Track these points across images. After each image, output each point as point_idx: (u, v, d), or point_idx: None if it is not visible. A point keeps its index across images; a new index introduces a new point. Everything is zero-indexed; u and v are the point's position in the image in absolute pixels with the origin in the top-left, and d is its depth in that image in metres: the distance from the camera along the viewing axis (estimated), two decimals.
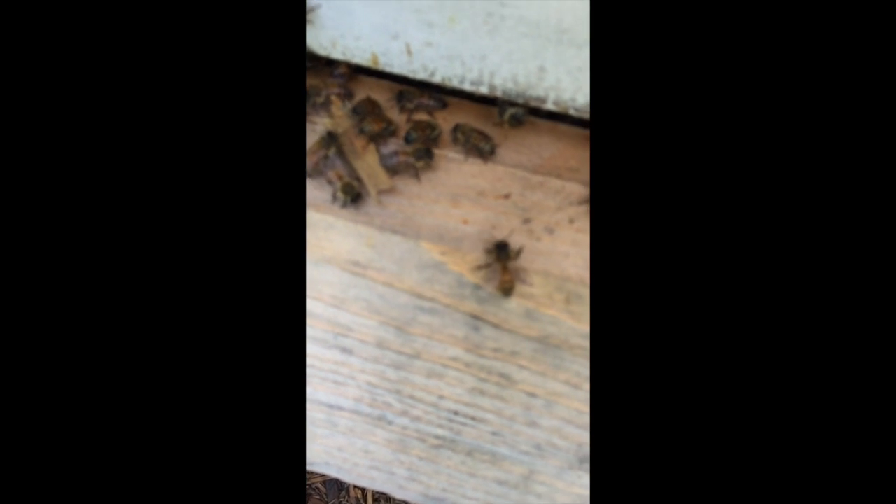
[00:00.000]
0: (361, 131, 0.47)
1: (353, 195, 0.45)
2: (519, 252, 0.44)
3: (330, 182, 0.46)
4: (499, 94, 0.46)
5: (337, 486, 1.33)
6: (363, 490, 1.32)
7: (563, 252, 0.45)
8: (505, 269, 0.43)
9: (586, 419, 0.48)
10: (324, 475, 1.32)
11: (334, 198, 0.46)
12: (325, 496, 1.32)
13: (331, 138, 0.47)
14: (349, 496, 1.32)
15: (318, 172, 0.47)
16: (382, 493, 1.28)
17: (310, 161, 0.47)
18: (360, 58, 0.47)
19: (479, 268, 0.44)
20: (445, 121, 0.50)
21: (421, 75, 0.47)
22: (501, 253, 0.43)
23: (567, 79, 0.44)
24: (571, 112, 0.46)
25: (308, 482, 1.34)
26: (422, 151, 0.47)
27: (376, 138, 0.48)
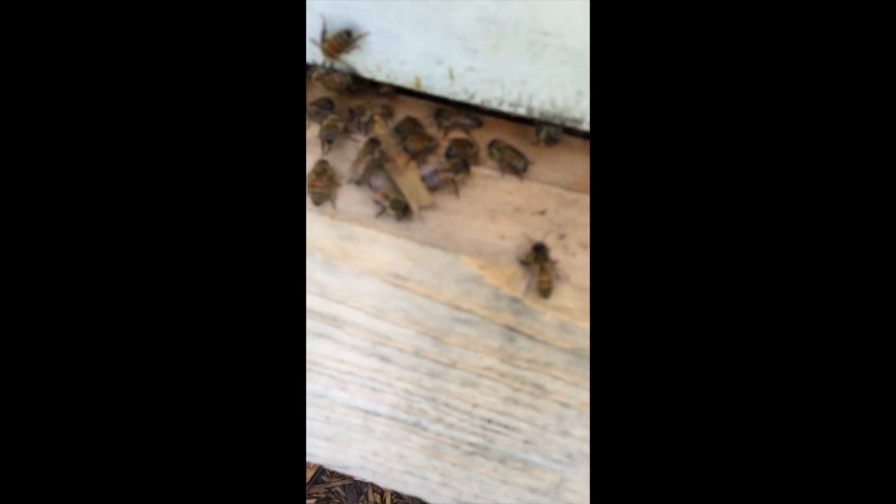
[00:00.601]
0: (406, 150, 0.49)
1: (402, 209, 0.48)
2: (555, 262, 0.46)
3: (377, 202, 0.49)
4: (536, 115, 0.48)
5: (356, 490, 1.35)
6: (381, 494, 1.34)
7: None
8: (543, 270, 0.45)
9: None
10: (343, 479, 1.34)
11: (380, 214, 0.48)
12: (344, 500, 1.33)
13: (373, 143, 0.50)
14: (368, 500, 1.34)
15: (367, 179, 0.49)
16: (401, 499, 1.30)
17: (358, 168, 0.49)
18: (404, 80, 0.49)
19: (523, 263, 0.46)
20: (481, 139, 0.52)
21: (461, 97, 0.49)
22: (539, 254, 0.45)
23: None
24: None
25: (328, 486, 1.36)
26: (459, 165, 0.49)
27: (417, 156, 0.50)
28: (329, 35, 0.47)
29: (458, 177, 0.49)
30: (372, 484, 1.32)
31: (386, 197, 0.48)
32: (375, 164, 0.49)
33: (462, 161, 0.49)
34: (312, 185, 0.48)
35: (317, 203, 0.48)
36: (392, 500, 1.33)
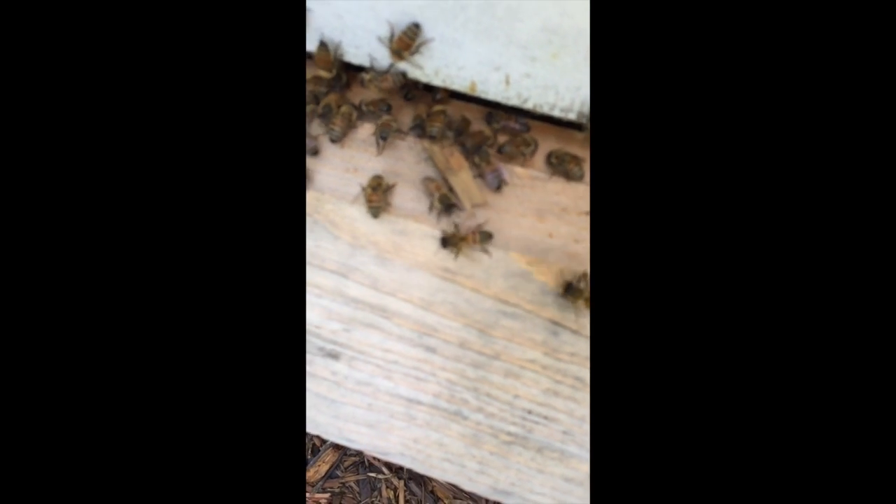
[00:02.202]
0: (464, 147, 0.52)
1: (447, 205, 0.50)
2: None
3: (430, 194, 0.51)
4: (585, 121, 0.51)
5: (370, 485, 1.37)
6: (395, 490, 1.36)
7: None
8: (587, 301, 0.48)
9: None
10: (357, 474, 1.36)
11: (431, 208, 0.51)
12: (358, 495, 1.35)
13: (441, 102, 0.53)
14: (381, 496, 1.36)
15: (444, 134, 0.52)
16: (414, 495, 1.32)
17: (434, 124, 0.52)
18: (459, 85, 0.52)
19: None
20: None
21: (514, 102, 0.51)
22: (572, 291, 0.49)
23: None
24: None
25: (342, 480, 1.38)
26: (483, 153, 0.51)
27: (470, 155, 0.53)
28: (397, 33, 0.49)
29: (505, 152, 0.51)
30: (385, 479, 1.34)
31: (438, 189, 0.51)
32: (447, 122, 0.52)
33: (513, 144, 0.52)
34: (370, 200, 0.50)
35: (374, 216, 0.51)
36: (405, 496, 1.35)
